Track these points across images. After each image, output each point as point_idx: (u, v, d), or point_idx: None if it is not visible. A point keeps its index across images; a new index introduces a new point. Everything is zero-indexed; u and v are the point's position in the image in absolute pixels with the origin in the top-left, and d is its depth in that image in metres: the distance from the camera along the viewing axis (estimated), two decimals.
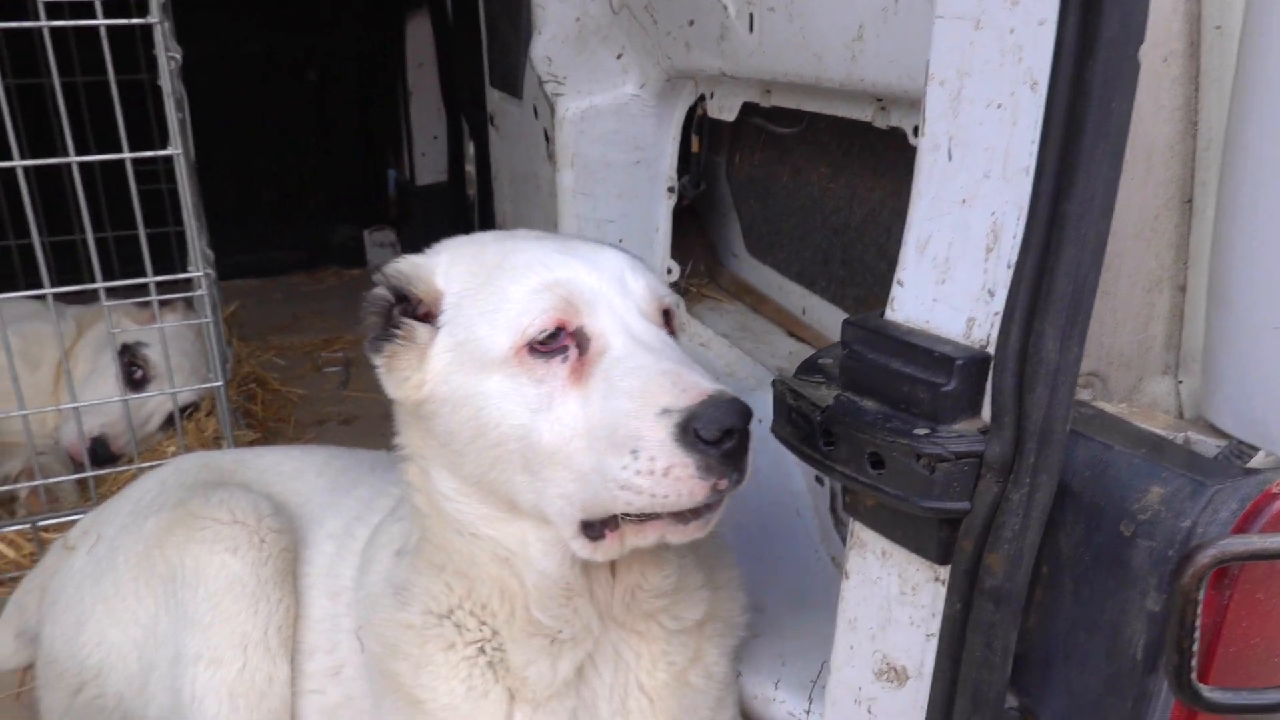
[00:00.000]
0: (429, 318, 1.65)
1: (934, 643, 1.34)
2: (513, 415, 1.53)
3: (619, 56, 2.80)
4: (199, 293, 2.89)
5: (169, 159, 2.79)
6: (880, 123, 1.89)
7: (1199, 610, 0.91)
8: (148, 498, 2.22)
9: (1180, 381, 1.43)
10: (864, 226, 2.33)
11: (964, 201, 1.28)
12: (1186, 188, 1.38)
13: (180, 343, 3.53)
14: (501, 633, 1.69)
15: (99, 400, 3.14)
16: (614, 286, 1.61)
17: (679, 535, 1.53)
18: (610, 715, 1.76)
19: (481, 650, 1.69)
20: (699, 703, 1.83)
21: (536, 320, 1.54)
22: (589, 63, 2.83)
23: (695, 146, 2.80)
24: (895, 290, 1.40)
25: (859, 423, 1.32)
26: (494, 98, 3.43)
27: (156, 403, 3.41)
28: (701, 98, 2.66)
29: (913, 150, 1.36)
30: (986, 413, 1.24)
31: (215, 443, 3.30)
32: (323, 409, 4.33)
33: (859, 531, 1.46)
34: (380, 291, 1.67)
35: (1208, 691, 0.91)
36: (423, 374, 1.61)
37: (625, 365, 1.50)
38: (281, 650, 1.94)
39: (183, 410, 3.38)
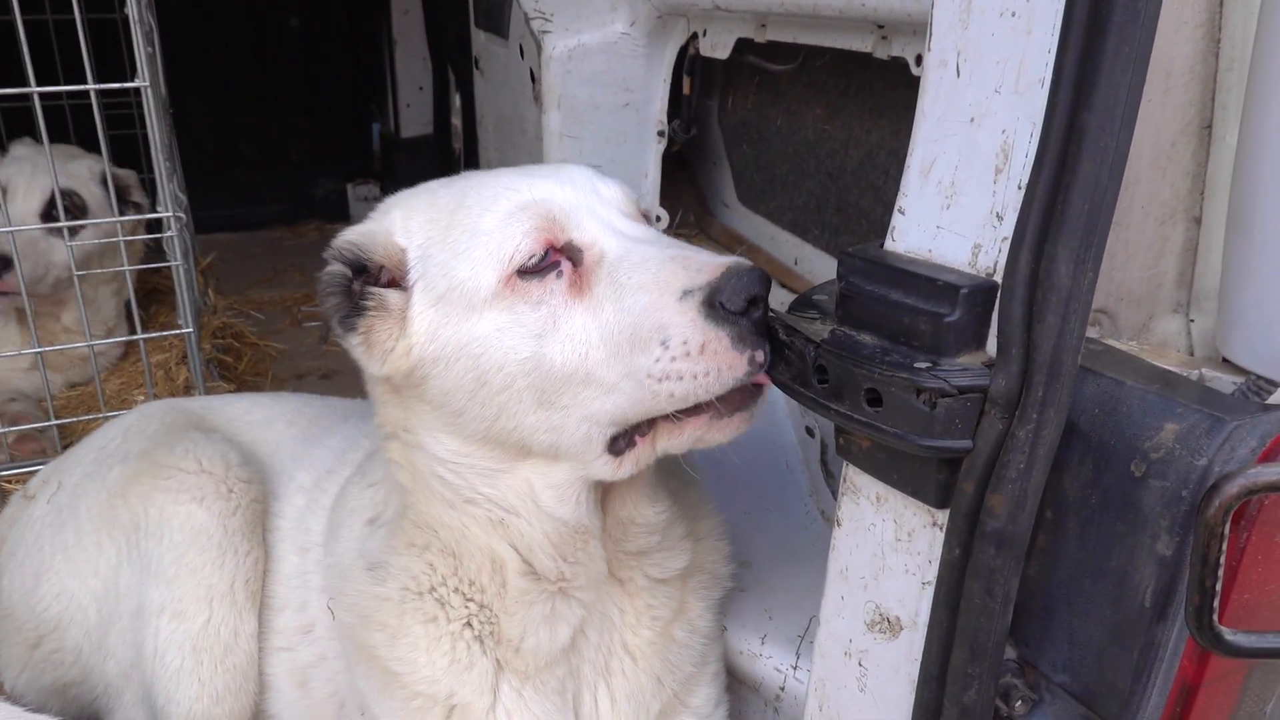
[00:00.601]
0: (395, 283, 1.54)
1: (930, 591, 1.27)
2: (516, 349, 1.44)
3: None
4: (168, 234, 2.78)
5: (141, 97, 2.66)
6: (881, 52, 1.79)
7: (1224, 546, 0.84)
8: (111, 445, 2.14)
9: (1192, 320, 1.36)
10: (860, 170, 2.25)
11: (972, 120, 1.20)
12: (1206, 112, 1.30)
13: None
14: (492, 606, 1.61)
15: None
16: (590, 196, 1.53)
17: (720, 430, 1.45)
18: (594, 677, 1.69)
19: (468, 624, 1.62)
20: (683, 658, 1.76)
21: (522, 244, 1.45)
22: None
23: (686, 88, 2.69)
24: (896, 219, 1.31)
25: (855, 357, 1.24)
26: (479, 39, 3.31)
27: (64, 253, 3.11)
28: (694, 36, 2.55)
29: (914, 86, 1.28)
30: (992, 345, 1.16)
31: (186, 391, 3.20)
32: (302, 364, 4.24)
33: (852, 476, 1.38)
34: (334, 269, 1.54)
35: (1230, 634, 0.84)
36: (407, 340, 1.49)
37: (630, 261, 1.43)
38: (248, 604, 1.87)
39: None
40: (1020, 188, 1.13)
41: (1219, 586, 0.84)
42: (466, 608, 1.61)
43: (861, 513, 1.38)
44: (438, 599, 1.62)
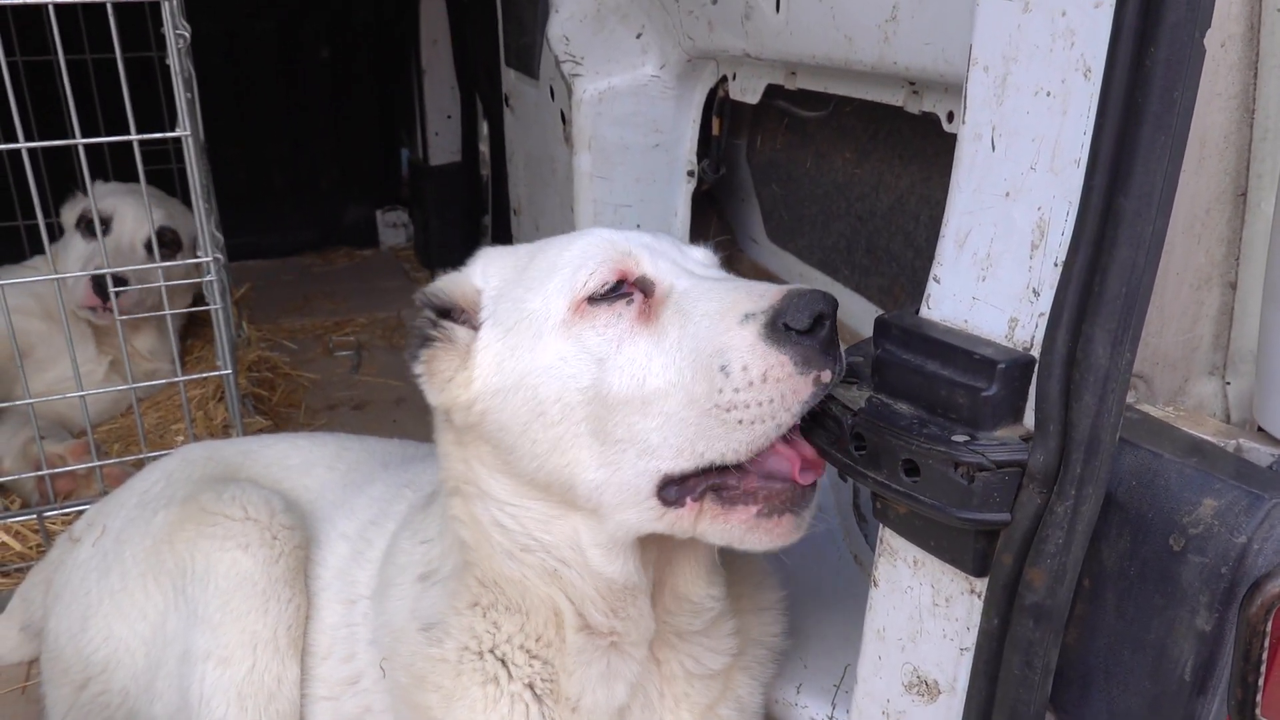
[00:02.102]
0: (468, 322, 1.61)
1: (968, 657, 1.28)
2: (577, 378, 1.45)
3: (638, 36, 2.72)
4: (208, 278, 2.83)
5: (178, 139, 2.72)
6: (912, 107, 1.81)
7: (1266, 644, 0.85)
8: (155, 490, 2.18)
9: (1228, 383, 1.37)
10: (890, 214, 2.26)
11: (1008, 195, 1.21)
12: (1241, 180, 1.31)
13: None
14: (554, 663, 1.61)
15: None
16: (671, 247, 1.58)
17: (765, 533, 1.41)
18: None
19: (530, 686, 1.62)
20: None
21: (596, 271, 1.48)
22: (607, 42, 2.75)
23: (715, 129, 2.72)
24: (931, 287, 1.33)
25: (893, 428, 1.25)
26: (509, 78, 3.35)
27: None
28: (723, 79, 2.58)
29: (943, 136, 1.30)
30: (1029, 420, 1.18)
31: (225, 431, 3.25)
32: (334, 394, 4.29)
33: (889, 539, 1.40)
34: (424, 316, 1.63)
35: None
36: (469, 371, 1.55)
37: (697, 291, 1.45)
38: (291, 650, 1.90)
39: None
40: (1057, 265, 1.14)
41: (1261, 682, 0.85)
42: (531, 666, 1.60)
43: (899, 575, 1.39)
44: (499, 657, 1.61)
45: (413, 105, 5.65)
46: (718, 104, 2.67)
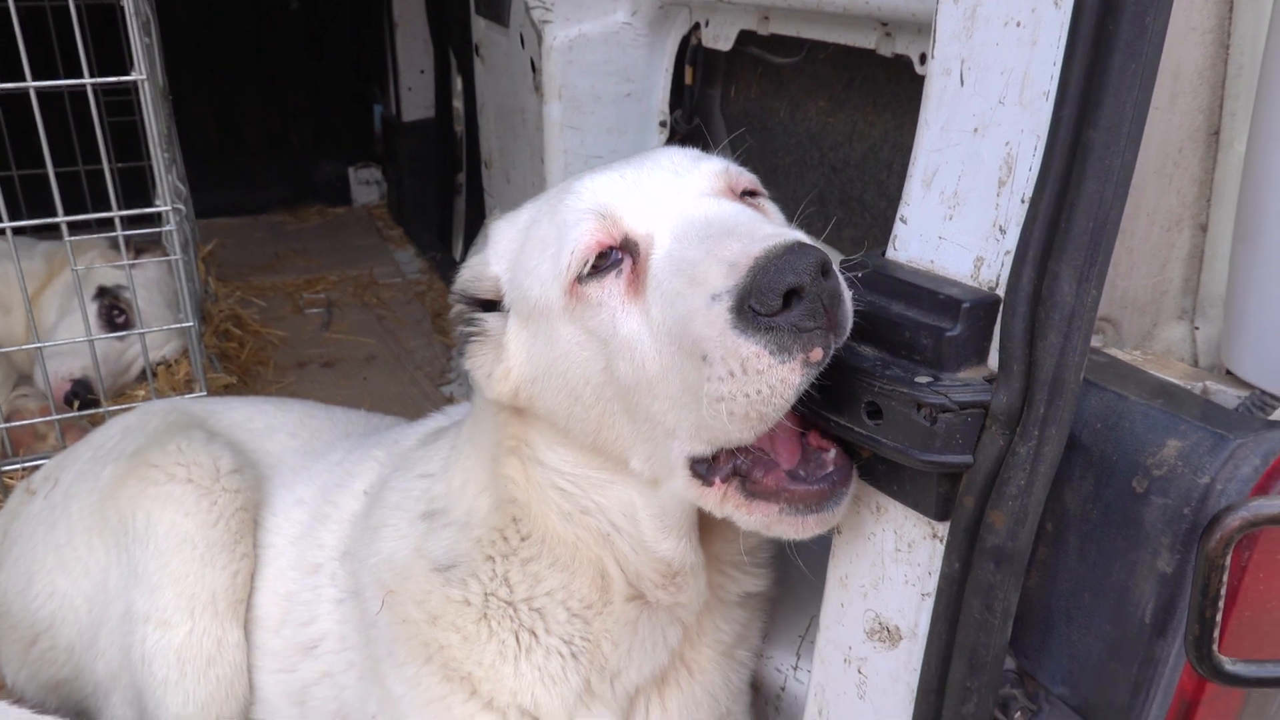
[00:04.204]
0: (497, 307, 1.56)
1: (929, 602, 1.27)
2: (594, 361, 1.38)
3: None
4: (167, 228, 2.76)
5: (140, 90, 2.64)
6: (885, 50, 1.77)
7: (1225, 578, 0.83)
8: (109, 444, 2.14)
9: (1197, 328, 1.35)
10: (863, 163, 2.22)
11: (976, 130, 1.18)
12: (1214, 118, 1.28)
13: (164, 289, 3.41)
14: (594, 626, 1.57)
15: (71, 340, 3.02)
16: (663, 175, 1.42)
17: (789, 527, 1.31)
18: (648, 686, 1.66)
19: (568, 642, 1.58)
20: (743, 677, 1.76)
21: (576, 249, 1.37)
22: None
23: (688, 78, 2.66)
24: (898, 227, 1.30)
25: (856, 369, 1.23)
26: (480, 26, 3.27)
27: (138, 350, 3.29)
28: (696, 26, 2.52)
29: (917, 81, 1.26)
30: (994, 360, 1.15)
31: (188, 386, 3.20)
32: (304, 351, 4.23)
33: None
34: (457, 308, 1.60)
35: (1230, 664, 0.83)
36: (506, 363, 1.51)
37: (671, 260, 1.29)
38: (230, 614, 1.87)
39: (166, 363, 3.28)
40: (1024, 201, 1.12)
41: (1219, 618, 0.83)
42: (571, 625, 1.57)
43: (861, 521, 1.37)
44: (536, 609, 1.57)
45: (385, 59, 5.54)
46: (690, 52, 2.62)
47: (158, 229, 2.88)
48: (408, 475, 1.79)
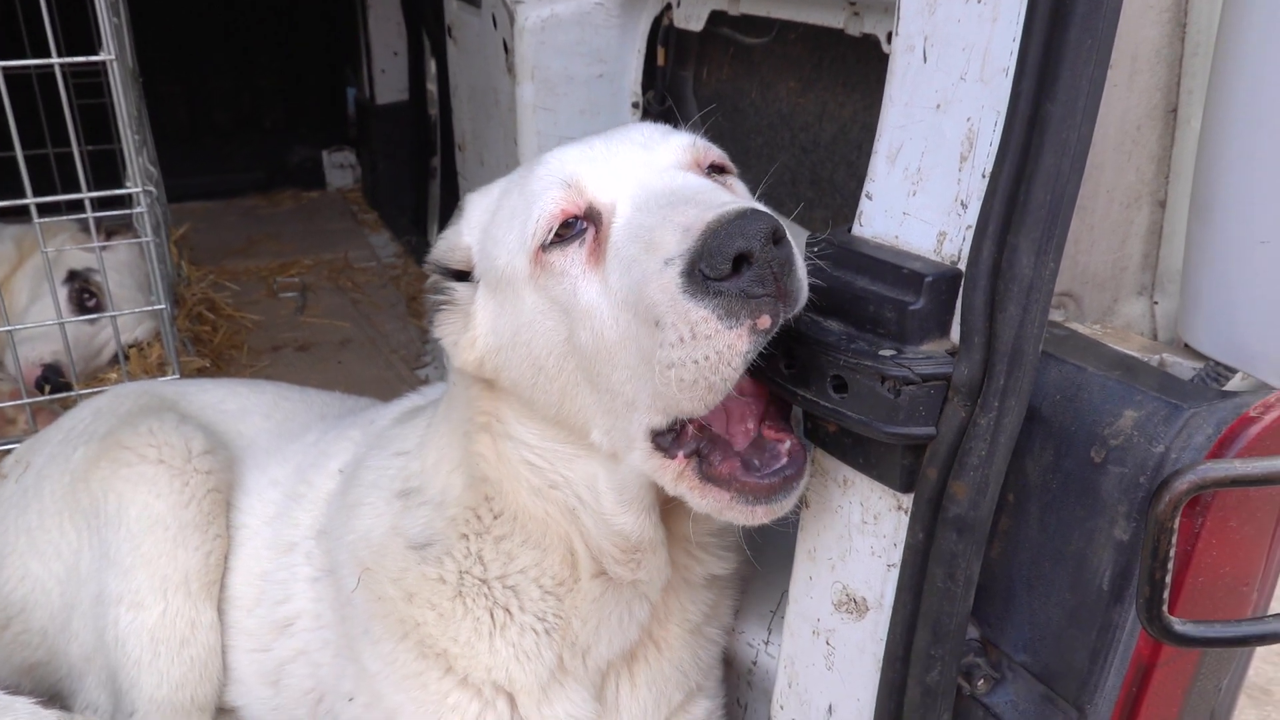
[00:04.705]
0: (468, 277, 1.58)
1: (895, 573, 1.29)
2: (556, 330, 1.39)
3: None
4: (138, 210, 2.73)
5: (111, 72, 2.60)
6: (852, 29, 1.78)
7: (1174, 540, 0.85)
8: (80, 426, 2.12)
9: (1156, 303, 1.37)
10: (834, 144, 2.23)
11: (938, 106, 1.20)
12: (1171, 96, 1.30)
13: (135, 272, 3.38)
14: (565, 603, 1.58)
15: (40, 323, 2.99)
16: (631, 148, 1.44)
17: (740, 514, 1.31)
18: (619, 662, 1.68)
19: (541, 619, 1.59)
20: (712, 654, 1.78)
21: (542, 218, 1.38)
22: None
23: (661, 60, 2.66)
24: (863, 204, 1.32)
25: (822, 344, 1.25)
26: (452, 6, 3.25)
27: (110, 334, 3.26)
28: (667, 7, 2.52)
29: (885, 61, 1.27)
30: (955, 334, 1.17)
31: (160, 369, 3.18)
32: (278, 335, 4.21)
33: (820, 459, 1.40)
34: (432, 278, 1.61)
35: (1179, 625, 0.86)
36: (472, 332, 1.52)
37: (630, 227, 1.30)
38: (204, 595, 1.87)
39: (137, 346, 3.25)
40: (984, 176, 1.13)
41: (1168, 579, 0.85)
42: (544, 601, 1.58)
43: (829, 495, 1.39)
44: (510, 587, 1.58)
45: (358, 41, 5.49)
46: (662, 33, 2.61)
47: (128, 210, 2.85)
48: (383, 453, 1.79)
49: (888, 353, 1.17)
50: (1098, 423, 1.11)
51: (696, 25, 2.37)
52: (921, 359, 1.16)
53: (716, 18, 2.32)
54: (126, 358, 3.17)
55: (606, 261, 1.33)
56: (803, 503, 1.45)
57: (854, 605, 1.38)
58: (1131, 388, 1.11)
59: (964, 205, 1.16)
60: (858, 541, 1.36)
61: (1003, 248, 1.09)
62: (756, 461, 1.33)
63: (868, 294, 1.22)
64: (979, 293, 1.11)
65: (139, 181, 2.68)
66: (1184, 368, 1.21)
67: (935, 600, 1.22)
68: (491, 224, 1.52)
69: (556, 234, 1.38)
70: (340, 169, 6.41)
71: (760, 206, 1.25)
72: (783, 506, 1.32)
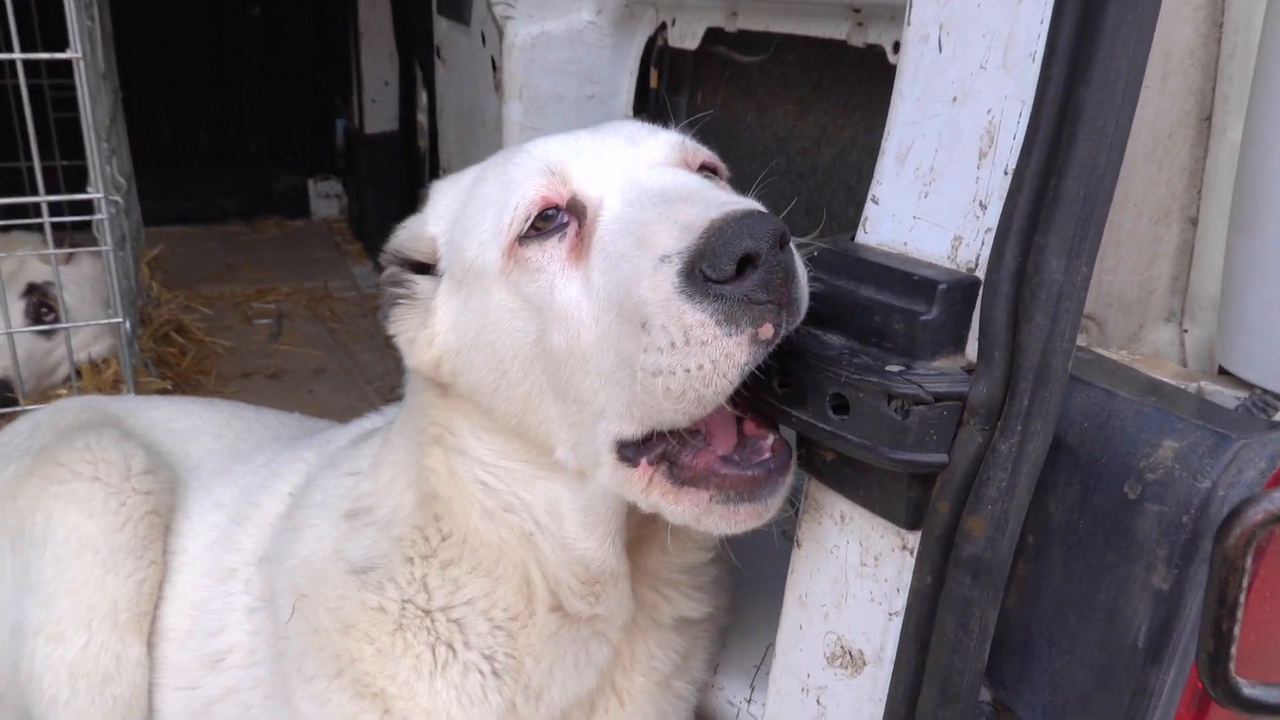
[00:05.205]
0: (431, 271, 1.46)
1: (897, 622, 1.14)
2: (525, 331, 1.28)
3: None
4: (99, 216, 2.59)
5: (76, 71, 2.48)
6: (856, 40, 1.68)
7: (1245, 582, 0.71)
8: (15, 441, 1.97)
9: (1186, 330, 1.25)
10: (832, 169, 2.13)
11: (955, 99, 1.08)
12: (1205, 103, 1.19)
13: (98, 288, 3.24)
14: (519, 640, 1.44)
15: None
16: (619, 141, 1.34)
17: (720, 518, 1.19)
18: (579, 716, 1.53)
19: (489, 658, 1.44)
20: (680, 710, 1.62)
21: (519, 207, 1.27)
22: None
23: (654, 81, 2.57)
24: (869, 209, 1.19)
25: (821, 358, 1.11)
26: (441, 27, 3.17)
27: (66, 349, 3.10)
28: (662, 26, 2.43)
29: (888, 81, 1.16)
30: (973, 349, 1.04)
31: (115, 388, 3.02)
32: (250, 362, 4.07)
33: (815, 492, 1.25)
34: (390, 270, 1.49)
35: (1248, 688, 0.71)
36: (430, 329, 1.41)
37: (620, 222, 1.20)
38: (133, 628, 1.69)
39: (94, 363, 3.10)
40: (1007, 173, 1.01)
41: (1237, 630, 0.71)
42: (494, 637, 1.43)
43: (824, 533, 1.25)
44: (454, 619, 1.44)
45: (349, 70, 5.42)
46: (656, 54, 2.52)
47: (89, 217, 2.70)
48: (335, 473, 1.66)
49: (895, 368, 1.04)
50: (1132, 454, 0.98)
51: (692, 43, 2.28)
52: (934, 376, 1.02)
53: (712, 36, 2.23)
54: (79, 374, 3.01)
55: (590, 258, 1.23)
56: (794, 541, 1.31)
57: (849, 659, 1.23)
58: (1171, 415, 0.98)
59: (983, 206, 1.04)
60: (855, 586, 1.21)
61: (1028, 250, 0.97)
62: (736, 456, 1.22)
63: (873, 304, 1.09)
64: (1000, 301, 0.99)
65: (101, 189, 2.55)
66: (1225, 396, 1.08)
67: (944, 654, 1.07)
68: (463, 213, 1.40)
69: (534, 226, 1.28)
70: (326, 198, 6.31)
71: (763, 208, 1.15)
72: (768, 506, 1.20)
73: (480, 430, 1.40)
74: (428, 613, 1.45)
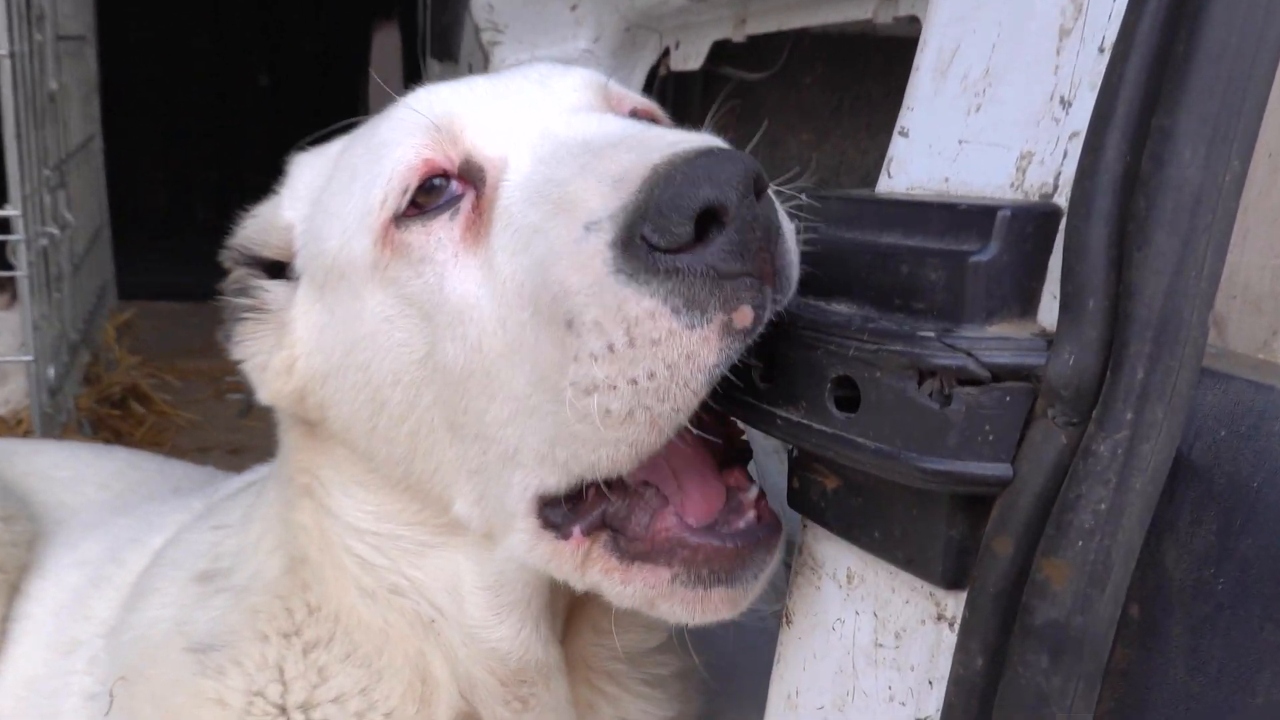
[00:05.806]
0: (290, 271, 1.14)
1: None
2: (409, 345, 0.97)
3: (573, 8, 2.34)
4: (16, 237, 2.32)
5: None
6: (884, 15, 1.41)
7: None
8: None
9: None
10: None
11: None
12: None
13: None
14: None
15: None
16: (526, 85, 1.03)
17: (684, 605, 0.89)
18: None
19: None
20: None
21: (397, 172, 0.97)
22: (538, 12, 2.38)
23: None
24: (895, 147, 0.87)
25: (820, 334, 0.77)
26: (433, 71, 3.00)
27: None
28: (665, 53, 2.20)
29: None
30: (1049, 311, 0.69)
31: (27, 435, 2.71)
32: (212, 436, 3.76)
33: (810, 543, 0.89)
34: (233, 275, 1.18)
35: None
36: (288, 350, 1.09)
37: (531, 184, 0.90)
38: None
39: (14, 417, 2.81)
40: (1103, 50, 0.69)
41: None
42: None
43: (822, 602, 0.87)
44: None
45: None
46: (658, 85, 2.28)
47: (6, 237, 2.42)
48: (201, 527, 1.32)
49: (928, 333, 0.69)
50: None
51: (696, 62, 2.04)
52: (990, 341, 0.67)
53: (719, 52, 1.99)
54: None
55: (492, 238, 0.92)
56: (784, 619, 0.94)
57: None
58: None
59: (1066, 103, 0.71)
60: (866, 679, 0.83)
61: (1144, 141, 0.63)
62: (709, 519, 0.89)
63: (900, 251, 0.75)
64: (1096, 226, 0.64)
65: (21, 206, 2.27)
66: None
67: None
68: (325, 191, 1.08)
69: (415, 202, 0.96)
70: None
71: (726, 144, 0.84)
72: (750, 590, 0.89)
73: (353, 484, 1.07)
74: (282, 710, 1.08)
